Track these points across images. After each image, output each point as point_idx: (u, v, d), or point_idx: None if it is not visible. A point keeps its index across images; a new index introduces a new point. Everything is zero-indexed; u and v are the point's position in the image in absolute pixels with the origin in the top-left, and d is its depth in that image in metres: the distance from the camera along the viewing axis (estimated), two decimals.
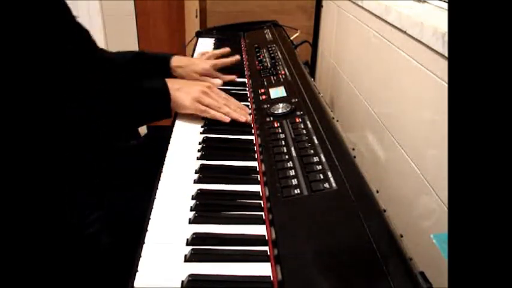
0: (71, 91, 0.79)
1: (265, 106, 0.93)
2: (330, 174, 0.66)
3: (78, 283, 0.73)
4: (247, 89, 1.10)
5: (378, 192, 0.63)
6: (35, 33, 0.70)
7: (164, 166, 0.74)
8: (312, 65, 1.88)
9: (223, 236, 0.58)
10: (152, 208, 0.62)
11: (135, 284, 0.49)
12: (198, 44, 1.49)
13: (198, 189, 0.66)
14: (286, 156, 0.72)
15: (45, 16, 0.74)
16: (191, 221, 0.60)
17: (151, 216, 0.61)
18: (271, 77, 1.09)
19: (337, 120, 0.87)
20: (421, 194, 0.88)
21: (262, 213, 0.63)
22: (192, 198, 0.65)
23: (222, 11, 1.81)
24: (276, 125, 0.83)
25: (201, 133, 0.86)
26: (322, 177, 0.65)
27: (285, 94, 0.97)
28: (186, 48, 1.93)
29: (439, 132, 0.80)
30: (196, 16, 1.90)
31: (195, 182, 0.69)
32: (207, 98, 0.87)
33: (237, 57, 1.17)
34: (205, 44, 1.47)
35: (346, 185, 0.63)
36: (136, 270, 0.51)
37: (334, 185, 0.63)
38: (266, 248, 0.56)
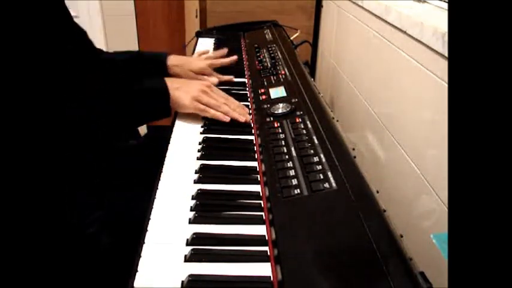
0: (70, 91, 0.79)
1: (265, 106, 0.93)
2: (330, 174, 0.66)
3: (78, 283, 0.73)
4: (247, 89, 1.10)
5: (378, 192, 0.63)
6: (35, 33, 0.70)
7: (164, 166, 0.73)
8: (312, 65, 1.88)
9: (223, 236, 0.58)
10: (152, 208, 0.62)
11: (135, 284, 0.49)
12: (198, 44, 1.49)
13: (198, 189, 0.66)
14: (286, 156, 0.72)
15: (44, 16, 0.74)
16: (191, 221, 0.60)
17: (151, 216, 0.61)
18: (271, 77, 1.09)
19: (337, 120, 0.87)
20: (421, 194, 0.88)
21: (262, 213, 0.63)
22: (192, 198, 0.65)
23: (222, 11, 1.81)
24: (276, 125, 0.83)
25: (201, 133, 0.86)
26: (322, 177, 0.65)
27: (285, 94, 0.97)
28: (186, 48, 1.93)
29: (439, 132, 0.80)
30: (196, 16, 1.90)
31: (195, 182, 0.69)
32: (206, 97, 0.87)
33: (235, 57, 1.17)
34: (205, 44, 1.47)
35: (346, 185, 0.63)
36: (136, 270, 0.51)
37: (334, 185, 0.63)
38: (266, 248, 0.56)
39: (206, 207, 0.63)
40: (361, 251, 0.52)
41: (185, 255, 0.54)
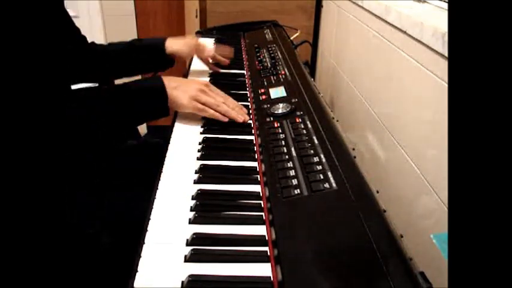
0: (70, 91, 0.79)
1: (265, 106, 0.93)
2: (330, 174, 0.66)
3: (78, 283, 0.73)
4: (247, 89, 1.10)
5: (378, 192, 0.63)
6: (34, 33, 0.70)
7: (164, 166, 0.73)
8: (312, 65, 1.88)
9: (223, 236, 0.58)
10: (152, 208, 0.62)
11: (135, 284, 0.49)
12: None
13: (198, 190, 0.66)
14: (286, 156, 0.72)
15: (43, 16, 0.74)
16: (191, 221, 0.60)
17: (151, 216, 0.61)
18: (271, 77, 1.09)
19: (337, 120, 0.87)
20: (421, 194, 0.88)
21: (262, 213, 0.63)
22: (192, 199, 0.65)
23: (222, 11, 1.81)
24: (276, 125, 0.83)
25: (201, 133, 0.86)
26: (322, 177, 0.65)
27: (285, 94, 0.97)
28: None
29: (439, 132, 0.80)
30: (196, 16, 1.90)
31: (195, 182, 0.69)
32: (205, 96, 0.87)
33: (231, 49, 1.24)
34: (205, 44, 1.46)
35: (346, 185, 0.63)
36: (136, 271, 0.51)
37: (334, 185, 0.63)
38: (266, 249, 0.56)
39: (206, 207, 0.63)
40: (361, 251, 0.52)
41: (185, 256, 0.54)
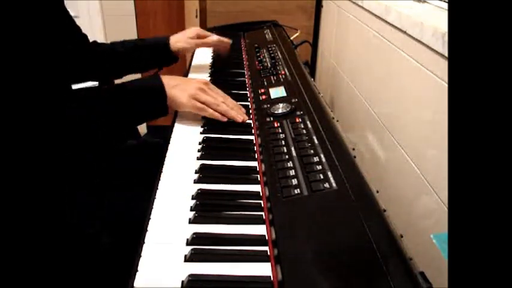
0: (70, 91, 0.79)
1: (265, 106, 0.93)
2: (330, 174, 0.66)
3: (78, 283, 0.73)
4: (247, 89, 1.10)
5: (378, 192, 0.63)
6: (34, 33, 0.70)
7: (164, 166, 0.73)
8: (312, 65, 1.88)
9: (224, 236, 0.58)
10: (152, 208, 0.62)
11: (135, 284, 0.49)
12: None
13: (198, 189, 0.66)
14: (286, 156, 0.72)
15: (43, 15, 0.74)
16: (191, 221, 0.60)
17: (151, 216, 0.61)
18: (271, 77, 1.09)
19: (337, 120, 0.87)
20: (421, 194, 0.88)
21: (262, 213, 0.63)
22: (192, 198, 0.65)
23: (222, 11, 1.81)
24: (276, 125, 0.83)
25: (201, 133, 0.86)
26: (322, 177, 0.65)
27: (285, 94, 0.97)
28: None
29: (439, 132, 0.80)
30: (196, 16, 1.90)
31: (195, 182, 0.69)
32: (204, 95, 0.86)
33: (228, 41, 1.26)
34: None
35: (346, 185, 0.63)
36: (136, 270, 0.51)
37: (334, 185, 0.63)
38: (266, 248, 0.56)
39: (206, 207, 0.63)
40: (361, 251, 0.52)
41: (185, 255, 0.54)
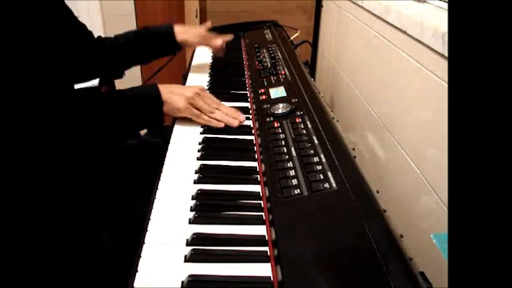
0: (70, 91, 0.79)
1: (265, 106, 0.93)
2: (330, 174, 0.66)
3: (78, 283, 0.73)
4: (247, 89, 1.10)
5: (378, 192, 0.63)
6: (35, 33, 0.70)
7: (164, 166, 0.73)
8: (312, 65, 1.88)
9: (223, 236, 0.58)
10: (152, 208, 0.62)
11: (135, 284, 0.49)
12: None
13: (198, 190, 0.66)
14: (286, 156, 0.72)
15: (44, 15, 0.74)
16: (191, 221, 0.60)
17: (151, 216, 0.61)
18: (271, 77, 1.09)
19: (337, 120, 0.87)
20: (421, 194, 0.88)
21: (262, 213, 0.63)
22: (192, 199, 0.65)
23: (222, 11, 1.81)
24: (276, 125, 0.83)
25: (201, 133, 0.86)
26: (322, 177, 0.65)
27: (285, 94, 0.97)
28: (186, 48, 1.92)
29: (439, 132, 0.80)
30: (196, 16, 1.90)
31: (195, 182, 0.69)
32: (200, 101, 0.87)
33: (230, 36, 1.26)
34: None
35: (346, 185, 0.63)
36: (136, 270, 0.51)
37: (334, 185, 0.63)
38: (266, 249, 0.56)
39: (206, 207, 0.63)
40: (361, 251, 0.52)
41: (185, 256, 0.54)
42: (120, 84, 1.11)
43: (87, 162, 0.85)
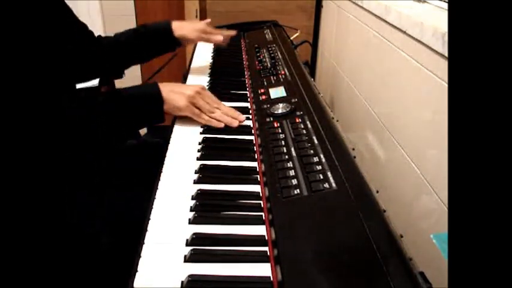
0: (71, 91, 0.79)
1: (265, 106, 0.93)
2: (330, 174, 0.66)
3: (78, 283, 0.73)
4: (247, 89, 1.10)
5: (377, 192, 0.63)
6: (35, 33, 0.70)
7: (164, 166, 0.73)
8: (312, 65, 1.88)
9: (223, 236, 0.58)
10: (152, 208, 0.62)
11: (134, 284, 0.49)
12: (197, 43, 1.49)
13: (198, 190, 0.66)
14: (286, 156, 0.72)
15: (44, 15, 0.74)
16: (191, 221, 0.60)
17: (151, 216, 0.61)
18: (271, 77, 1.09)
19: (337, 120, 0.87)
20: (421, 194, 0.88)
21: (262, 213, 0.63)
22: (192, 199, 0.65)
23: (222, 11, 1.81)
24: (276, 125, 0.83)
25: (201, 133, 0.86)
26: (322, 177, 0.65)
27: (285, 94, 0.97)
28: (186, 48, 1.93)
29: (439, 132, 0.80)
30: (196, 16, 1.90)
31: (195, 182, 0.69)
32: (201, 100, 0.87)
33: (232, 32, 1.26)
34: (205, 44, 1.46)
35: (346, 185, 0.63)
36: (136, 270, 0.51)
37: (334, 185, 0.63)
38: (266, 249, 0.56)
39: (206, 207, 0.63)
40: (361, 251, 0.52)
41: (185, 256, 0.54)
42: (120, 84, 1.11)
43: (87, 162, 0.85)
